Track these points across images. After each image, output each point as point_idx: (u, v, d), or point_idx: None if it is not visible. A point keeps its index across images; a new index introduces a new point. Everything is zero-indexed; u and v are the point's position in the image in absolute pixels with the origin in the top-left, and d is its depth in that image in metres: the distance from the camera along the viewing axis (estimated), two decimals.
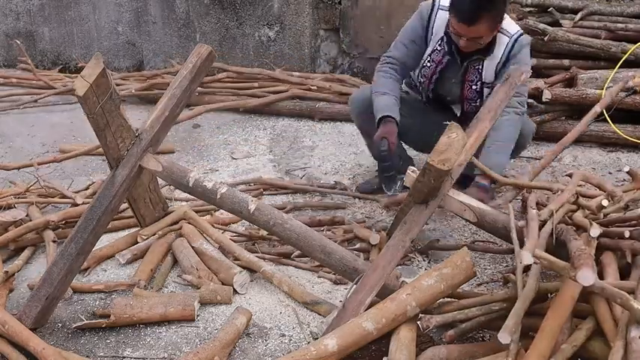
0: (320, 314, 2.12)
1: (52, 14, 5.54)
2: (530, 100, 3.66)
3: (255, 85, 4.57)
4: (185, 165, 3.37)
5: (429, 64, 2.82)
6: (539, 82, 3.68)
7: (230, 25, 5.05)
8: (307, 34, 4.88)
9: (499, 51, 2.70)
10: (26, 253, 2.51)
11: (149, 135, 2.13)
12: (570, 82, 3.80)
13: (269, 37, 4.97)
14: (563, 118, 3.75)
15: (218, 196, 2.06)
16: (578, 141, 3.67)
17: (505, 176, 2.54)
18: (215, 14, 5.05)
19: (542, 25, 3.84)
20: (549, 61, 3.98)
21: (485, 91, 2.79)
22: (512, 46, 2.67)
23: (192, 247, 2.46)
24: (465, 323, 1.78)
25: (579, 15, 3.97)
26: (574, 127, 3.62)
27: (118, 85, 4.58)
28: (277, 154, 3.70)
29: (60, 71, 5.44)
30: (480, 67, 2.75)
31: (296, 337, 2.03)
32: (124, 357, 1.95)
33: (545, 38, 3.81)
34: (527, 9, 4.24)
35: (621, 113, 3.59)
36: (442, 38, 2.75)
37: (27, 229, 2.52)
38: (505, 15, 2.66)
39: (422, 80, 2.90)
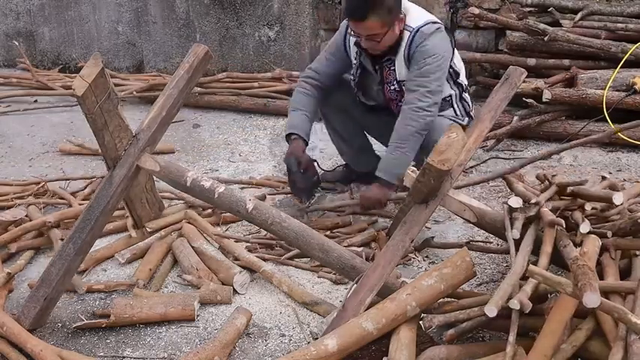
0: (320, 314, 2.12)
1: (52, 14, 5.54)
2: (530, 100, 3.67)
3: (256, 85, 4.58)
4: (185, 165, 3.37)
5: (352, 77, 2.91)
6: (539, 82, 3.68)
7: (230, 25, 5.05)
8: (307, 34, 4.88)
9: (403, 47, 2.71)
10: (28, 253, 2.51)
11: (146, 135, 2.13)
12: (570, 82, 3.79)
13: (269, 37, 4.97)
14: (563, 118, 3.74)
15: (216, 196, 2.06)
16: None
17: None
18: (215, 14, 5.05)
19: (542, 25, 3.84)
20: (549, 61, 3.98)
21: (404, 88, 2.80)
22: (413, 37, 2.67)
23: (192, 247, 2.46)
24: (466, 323, 1.78)
25: (579, 15, 3.97)
26: (574, 127, 3.67)
27: (117, 85, 4.60)
28: (277, 154, 3.70)
29: (60, 71, 5.45)
30: (393, 67, 2.77)
31: (296, 337, 2.03)
32: (124, 357, 1.95)
33: (545, 38, 3.81)
34: (527, 9, 4.24)
35: (621, 113, 3.59)
36: (357, 52, 2.81)
37: (24, 231, 2.52)
38: (413, 9, 2.71)
39: (355, 90, 2.97)
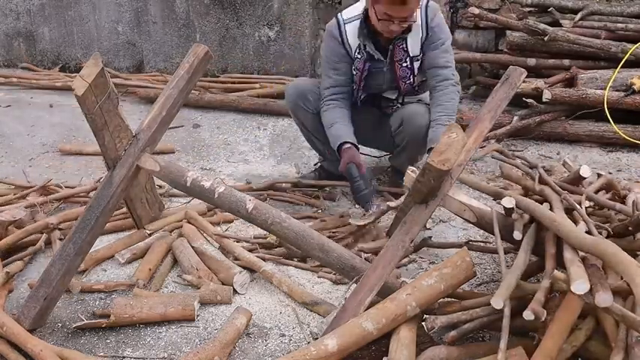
0: (320, 314, 2.12)
1: (52, 14, 5.54)
2: (530, 100, 3.67)
3: (257, 85, 4.58)
4: (185, 165, 3.37)
5: (355, 73, 2.91)
6: (539, 82, 3.68)
7: (230, 25, 5.05)
8: (307, 34, 4.88)
9: (417, 23, 2.77)
10: (27, 253, 2.51)
11: (146, 135, 2.13)
12: (570, 82, 3.80)
13: (269, 37, 4.97)
14: (563, 117, 3.75)
15: (216, 196, 2.06)
16: (579, 141, 3.68)
17: None
18: (215, 14, 5.05)
19: (542, 25, 3.85)
20: (549, 61, 3.98)
21: (415, 64, 2.87)
22: (426, 14, 2.77)
23: (193, 247, 2.46)
24: (468, 324, 1.78)
25: (579, 15, 3.97)
26: (574, 127, 3.67)
27: (118, 85, 4.59)
28: (277, 155, 3.70)
29: (60, 70, 5.46)
30: (404, 44, 2.81)
31: (296, 337, 2.03)
32: (124, 357, 1.95)
33: (545, 38, 3.82)
34: (527, 9, 4.25)
35: (620, 113, 3.59)
36: (359, 46, 2.83)
37: (26, 233, 2.52)
38: None
39: (353, 87, 2.96)
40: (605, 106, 3.53)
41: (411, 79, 2.91)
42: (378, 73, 2.90)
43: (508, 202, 1.87)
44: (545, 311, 1.52)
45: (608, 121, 3.66)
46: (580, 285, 1.43)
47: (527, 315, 1.51)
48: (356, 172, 2.69)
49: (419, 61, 2.86)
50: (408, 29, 2.76)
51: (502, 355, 1.51)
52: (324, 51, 2.94)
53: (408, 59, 2.85)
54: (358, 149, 2.80)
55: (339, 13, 2.88)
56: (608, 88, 3.59)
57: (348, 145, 2.77)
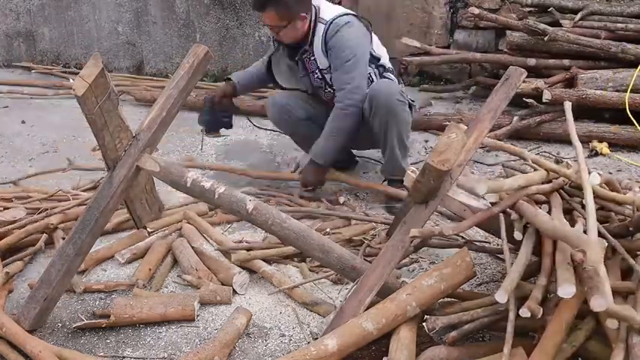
0: (320, 314, 2.12)
1: (52, 14, 5.54)
2: (530, 100, 3.67)
3: None
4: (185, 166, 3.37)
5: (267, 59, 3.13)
6: (539, 82, 3.68)
7: (230, 25, 5.05)
8: None
9: (319, 38, 2.86)
10: (27, 253, 2.51)
11: (146, 135, 2.13)
12: (570, 82, 3.80)
13: (269, 37, 4.97)
14: (563, 118, 3.74)
15: (216, 196, 2.05)
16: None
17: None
18: (215, 14, 5.06)
19: (542, 25, 3.85)
20: (549, 61, 3.98)
21: (327, 76, 2.95)
22: (327, 30, 2.83)
23: (192, 247, 2.46)
24: (469, 324, 1.78)
25: (579, 15, 3.98)
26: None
27: (117, 85, 4.60)
28: (277, 154, 3.70)
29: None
30: (313, 57, 2.92)
31: (296, 337, 2.03)
32: (124, 357, 1.95)
33: (545, 38, 3.82)
34: (527, 9, 4.25)
35: (620, 113, 3.60)
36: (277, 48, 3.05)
37: (27, 233, 2.52)
38: (324, 5, 2.90)
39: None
40: (627, 107, 3.52)
41: (329, 90, 2.98)
42: (296, 76, 3.03)
43: (493, 196, 1.87)
44: (541, 309, 1.52)
45: (608, 122, 3.67)
46: (566, 289, 1.44)
47: (524, 312, 1.51)
48: (209, 102, 3.09)
49: (329, 73, 2.92)
50: (305, 42, 2.87)
51: (508, 344, 1.50)
52: None
53: (318, 71, 2.95)
54: (235, 89, 3.11)
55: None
56: (629, 91, 3.57)
57: (227, 79, 3.16)
